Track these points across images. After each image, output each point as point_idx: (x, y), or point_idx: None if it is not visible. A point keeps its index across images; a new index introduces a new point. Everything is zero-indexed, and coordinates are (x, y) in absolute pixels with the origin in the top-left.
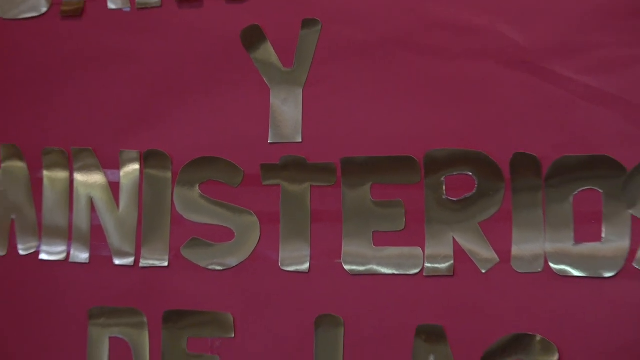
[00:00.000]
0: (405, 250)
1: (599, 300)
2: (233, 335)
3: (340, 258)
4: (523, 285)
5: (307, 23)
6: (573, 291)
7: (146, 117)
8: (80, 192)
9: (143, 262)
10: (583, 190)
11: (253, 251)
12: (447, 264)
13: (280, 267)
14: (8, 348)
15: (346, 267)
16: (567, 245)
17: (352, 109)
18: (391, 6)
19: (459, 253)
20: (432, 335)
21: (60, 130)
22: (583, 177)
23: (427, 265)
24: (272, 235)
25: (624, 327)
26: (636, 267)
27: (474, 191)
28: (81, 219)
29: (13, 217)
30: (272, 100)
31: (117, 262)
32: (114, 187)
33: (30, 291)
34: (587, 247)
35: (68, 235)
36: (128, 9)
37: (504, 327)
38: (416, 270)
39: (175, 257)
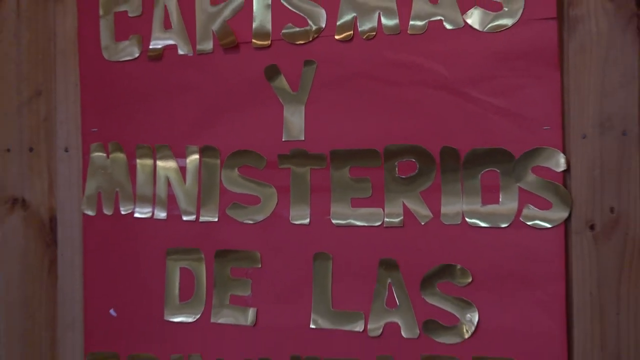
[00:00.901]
0: (372, 210)
1: (498, 242)
2: (260, 266)
3: (329, 215)
4: (448, 233)
5: (307, 62)
6: (481, 236)
7: (203, 124)
8: (160, 174)
9: (202, 218)
10: (487, 170)
11: (273, 211)
12: (398, 219)
13: (291, 221)
14: (111, 278)
15: (333, 221)
16: (477, 206)
17: (336, 119)
18: (361, 53)
19: (407, 212)
20: (389, 265)
21: (147, 133)
22: (487, 162)
23: (386, 219)
24: (285, 201)
25: (513, 259)
26: (522, 220)
27: (416, 172)
28: (161, 190)
29: (117, 189)
30: (284, 113)
31: (184, 218)
32: (182, 170)
33: (127, 238)
34: (490, 208)
35: (152, 201)
36: (191, 54)
37: (436, 260)
38: (379, 223)
39: (222, 215)
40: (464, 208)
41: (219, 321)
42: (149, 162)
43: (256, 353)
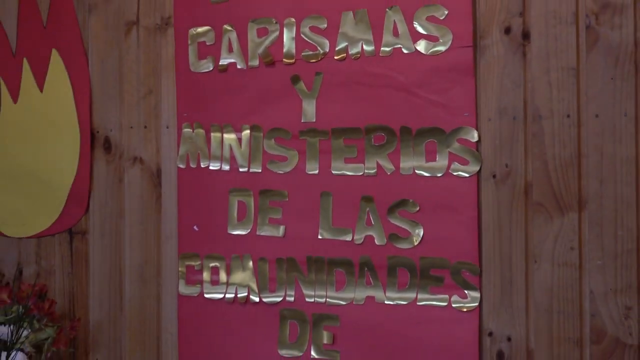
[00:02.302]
0: (357, 165)
1: (435, 185)
2: (287, 199)
3: (330, 168)
4: (404, 180)
5: (317, 73)
6: (425, 182)
7: (252, 111)
8: (226, 142)
9: (251, 170)
10: (428, 141)
11: (295, 166)
12: (374, 171)
13: (306, 172)
14: (195, 206)
15: (333, 172)
16: (422, 163)
17: (335, 108)
18: (351, 67)
19: (379, 166)
20: (367, 199)
21: (218, 116)
22: (428, 135)
23: (366, 171)
24: (303, 159)
25: (445, 195)
26: (450, 171)
27: (384, 141)
28: (226, 152)
29: (199, 152)
30: (303, 104)
31: (240, 170)
32: (239, 140)
33: (205, 182)
34: (431, 164)
35: (220, 159)
36: (245, 68)
37: (397, 196)
38: (361, 173)
39: (264, 168)
40: (414, 164)
41: (262, 234)
42: (218, 134)
43: (285, 254)
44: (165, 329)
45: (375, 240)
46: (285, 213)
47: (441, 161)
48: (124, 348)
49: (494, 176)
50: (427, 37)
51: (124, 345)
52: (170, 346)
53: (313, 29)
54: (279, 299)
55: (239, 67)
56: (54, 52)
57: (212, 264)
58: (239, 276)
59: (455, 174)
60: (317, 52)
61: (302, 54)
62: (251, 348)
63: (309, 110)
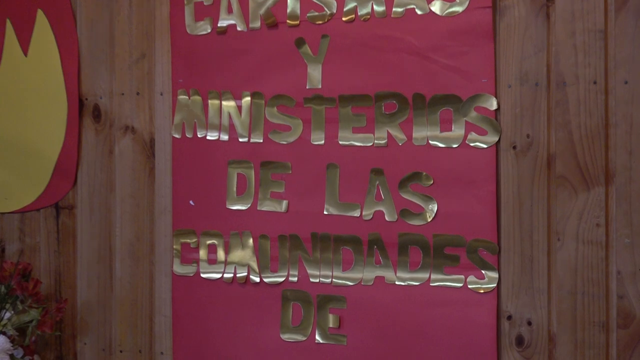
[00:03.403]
0: (365, 135)
1: (451, 156)
2: (291, 172)
3: (337, 138)
4: (417, 151)
5: (324, 36)
6: (439, 153)
7: (253, 77)
8: (224, 110)
9: (252, 140)
10: (443, 109)
11: (299, 136)
12: (384, 141)
13: (311, 142)
14: (191, 180)
15: (340, 142)
16: (437, 133)
17: (343, 73)
18: (360, 30)
19: (390, 136)
20: (377, 172)
21: (216, 83)
22: (443, 103)
23: (375, 141)
24: (308, 129)
25: (461, 168)
26: (467, 142)
27: (396, 109)
28: (225, 121)
29: (195, 120)
30: (308, 70)
31: (240, 140)
32: (239, 108)
33: (202, 153)
34: (445, 134)
35: (219, 128)
36: (246, 30)
37: (409, 168)
38: (370, 144)
39: (266, 138)
40: (428, 134)
41: (263, 209)
42: (216, 102)
43: (287, 230)
44: (158, 310)
45: (386, 216)
46: (288, 187)
47: (457, 131)
48: (114, 331)
49: (514, 147)
50: None
51: (114, 328)
52: (164, 329)
53: None
54: (282, 279)
55: (239, 29)
56: (40, 12)
57: (209, 242)
58: (238, 254)
59: (472, 144)
60: (324, 13)
61: (308, 15)
62: (251, 332)
63: (315, 75)
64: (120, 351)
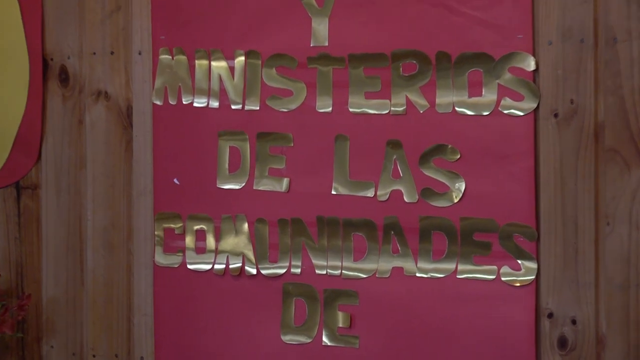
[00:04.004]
0: (380, 101)
1: (481, 126)
2: (292, 145)
3: (347, 105)
4: (441, 120)
5: None
6: (467, 122)
7: (248, 33)
8: (214, 72)
9: (246, 107)
10: (472, 70)
11: (302, 102)
12: (402, 108)
13: (316, 109)
14: (175, 154)
15: (351, 110)
16: (464, 98)
17: (354, 29)
18: None
19: (409, 102)
20: (394, 145)
21: (204, 40)
22: (472, 63)
23: (392, 108)
24: (312, 94)
25: (493, 140)
26: (500, 109)
27: (416, 71)
28: (214, 85)
29: (180, 84)
30: (312, 24)
31: (233, 107)
32: (231, 69)
33: (188, 123)
34: (475, 99)
35: (208, 93)
36: None
37: (432, 140)
38: (386, 111)
39: (263, 104)
40: (454, 99)
41: (260, 188)
42: (205, 62)
43: (289, 214)
44: (137, 308)
45: (404, 197)
46: (289, 162)
47: (488, 96)
48: (86, 333)
49: (556, 115)
50: None
51: (86, 329)
52: (145, 330)
53: None
54: (282, 271)
55: None
56: None
57: (197, 227)
58: (231, 242)
59: (506, 112)
60: None
61: None
62: (246, 333)
63: (320, 31)
64: (93, 356)
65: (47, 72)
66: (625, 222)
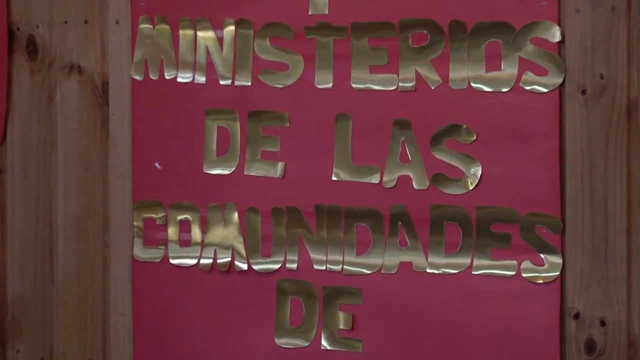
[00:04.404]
0: (387, 76)
1: (499, 104)
2: (288, 125)
3: (350, 80)
4: (455, 97)
5: None
6: (484, 99)
7: (239, 0)
8: (200, 43)
9: (237, 83)
10: (490, 41)
11: (300, 77)
12: (411, 84)
13: (315, 85)
14: (156, 135)
15: (353, 86)
16: (481, 73)
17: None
18: None
19: (419, 77)
20: (402, 125)
21: (189, 7)
22: (490, 34)
23: (400, 84)
24: (311, 68)
25: (513, 120)
26: (521, 85)
27: (427, 42)
28: (201, 58)
29: (162, 57)
30: None
31: (221, 82)
32: (219, 40)
33: (171, 100)
34: (493, 74)
35: (193, 67)
36: None
37: (445, 120)
38: (393, 87)
39: (255, 80)
40: (470, 74)
41: (252, 173)
42: (190, 32)
43: (284, 202)
44: (114, 308)
45: (414, 183)
46: (285, 144)
47: (508, 70)
48: (56, 335)
49: (584, 92)
50: None
51: (56, 331)
52: (122, 332)
53: None
54: (276, 267)
55: None
56: None
57: (180, 217)
58: (219, 234)
59: (527, 88)
60: None
61: None
62: (236, 335)
63: None
64: None
65: (13, 43)
66: None
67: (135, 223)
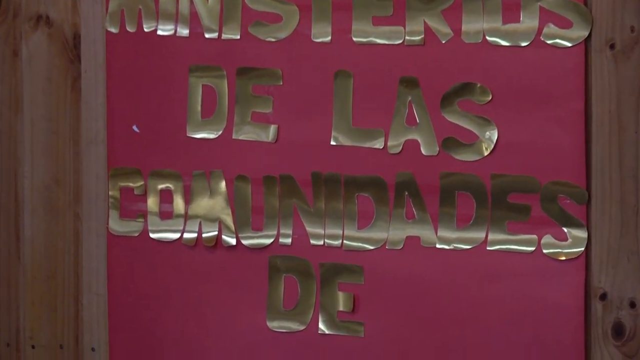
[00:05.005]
0: (392, 28)
1: (518, 60)
2: (281, 83)
3: (350, 33)
4: (469, 51)
5: None
6: (501, 55)
7: None
8: None
9: (224, 36)
10: None
11: (294, 29)
12: (419, 37)
13: (312, 39)
14: (134, 95)
15: (354, 39)
16: (498, 25)
17: None
18: None
19: (428, 30)
20: (409, 83)
21: None
22: None
23: (407, 38)
24: (307, 19)
25: (533, 77)
26: (542, 39)
27: None
28: (183, 8)
29: (140, 6)
30: None
31: (207, 35)
32: None
33: (150, 55)
34: (511, 26)
35: (175, 18)
36: None
37: (457, 78)
38: (399, 41)
39: (244, 32)
40: (485, 26)
41: (241, 138)
42: None
43: (277, 169)
44: (87, 287)
45: (422, 149)
46: (277, 105)
47: (528, 22)
48: (23, 318)
49: (612, 46)
50: None
51: (23, 313)
52: (96, 313)
53: None
54: (269, 241)
55: None
56: None
57: (161, 186)
58: (204, 205)
59: (549, 42)
60: None
61: None
62: (224, 318)
63: None
64: (33, 347)
65: None
66: None
67: (110, 193)
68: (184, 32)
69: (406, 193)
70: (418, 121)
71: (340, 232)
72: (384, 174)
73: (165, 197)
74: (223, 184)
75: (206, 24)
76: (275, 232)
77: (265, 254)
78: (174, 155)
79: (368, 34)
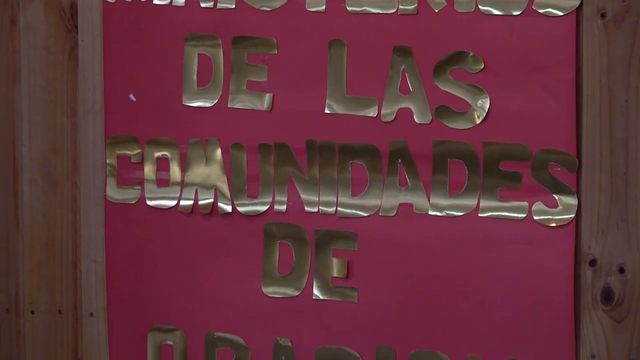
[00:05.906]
0: None
1: (510, 29)
2: (276, 52)
3: (345, 2)
4: (461, 21)
5: None
6: (494, 24)
7: None
8: None
9: (219, 5)
10: None
11: None
12: (413, 6)
13: (307, 8)
14: (131, 64)
15: (349, 8)
16: None
17: None
18: None
19: (421, 0)
20: (403, 52)
21: None
22: None
23: (400, 7)
24: None
25: (525, 46)
26: (534, 8)
27: None
28: None
29: None
30: None
31: (202, 4)
32: None
33: (147, 24)
34: None
35: None
36: None
37: (450, 47)
38: (393, 10)
39: (239, 2)
40: None
41: (236, 106)
42: None
43: (272, 137)
44: (85, 253)
45: (415, 117)
46: (272, 73)
47: None
48: (22, 284)
49: (603, 15)
50: None
51: (22, 280)
52: (94, 279)
53: None
54: (264, 208)
55: None
56: None
57: (158, 154)
58: (200, 172)
59: (541, 11)
60: None
61: None
62: (220, 284)
63: None
64: (32, 312)
65: None
66: None
67: (107, 161)
68: (180, 1)
69: (399, 161)
70: (411, 90)
71: (335, 199)
72: (377, 142)
73: (162, 164)
74: (219, 152)
75: None
76: (270, 200)
77: (260, 221)
78: (170, 123)
79: (362, 3)
